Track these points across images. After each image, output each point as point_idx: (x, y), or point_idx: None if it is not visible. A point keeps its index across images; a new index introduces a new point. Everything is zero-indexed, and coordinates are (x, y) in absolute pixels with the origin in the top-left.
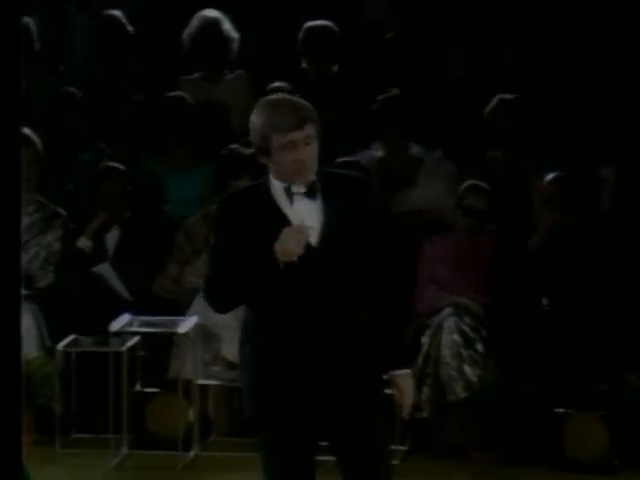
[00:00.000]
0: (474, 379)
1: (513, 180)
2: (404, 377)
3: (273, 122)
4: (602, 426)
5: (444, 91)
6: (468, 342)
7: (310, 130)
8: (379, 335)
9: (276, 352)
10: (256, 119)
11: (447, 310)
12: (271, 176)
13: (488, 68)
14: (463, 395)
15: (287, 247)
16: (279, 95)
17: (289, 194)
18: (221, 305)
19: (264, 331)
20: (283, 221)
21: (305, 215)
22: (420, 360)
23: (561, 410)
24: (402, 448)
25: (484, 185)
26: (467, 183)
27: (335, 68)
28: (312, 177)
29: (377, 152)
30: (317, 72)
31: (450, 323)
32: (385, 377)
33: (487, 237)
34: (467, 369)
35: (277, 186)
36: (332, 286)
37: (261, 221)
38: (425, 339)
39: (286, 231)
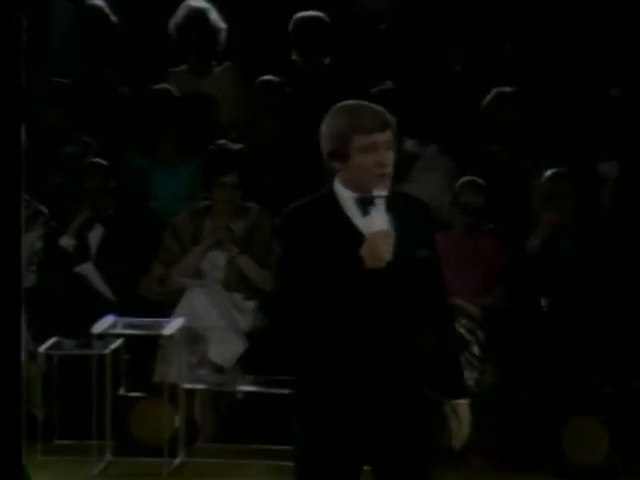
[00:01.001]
0: (471, 382)
1: (511, 177)
2: (464, 407)
3: (356, 123)
4: (604, 430)
5: (440, 84)
6: (464, 345)
7: (390, 135)
8: (440, 361)
9: (338, 368)
10: (333, 120)
11: None
12: (338, 185)
13: (486, 60)
14: None
15: (379, 252)
16: (356, 100)
17: (361, 204)
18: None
19: (325, 346)
20: (354, 232)
21: (380, 225)
22: None
23: (562, 414)
24: None
25: (481, 182)
26: (463, 179)
27: (326, 60)
28: (389, 185)
29: None
30: (308, 64)
31: None
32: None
33: (485, 236)
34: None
35: (346, 196)
36: (397, 305)
37: (330, 232)
38: None
39: (376, 235)
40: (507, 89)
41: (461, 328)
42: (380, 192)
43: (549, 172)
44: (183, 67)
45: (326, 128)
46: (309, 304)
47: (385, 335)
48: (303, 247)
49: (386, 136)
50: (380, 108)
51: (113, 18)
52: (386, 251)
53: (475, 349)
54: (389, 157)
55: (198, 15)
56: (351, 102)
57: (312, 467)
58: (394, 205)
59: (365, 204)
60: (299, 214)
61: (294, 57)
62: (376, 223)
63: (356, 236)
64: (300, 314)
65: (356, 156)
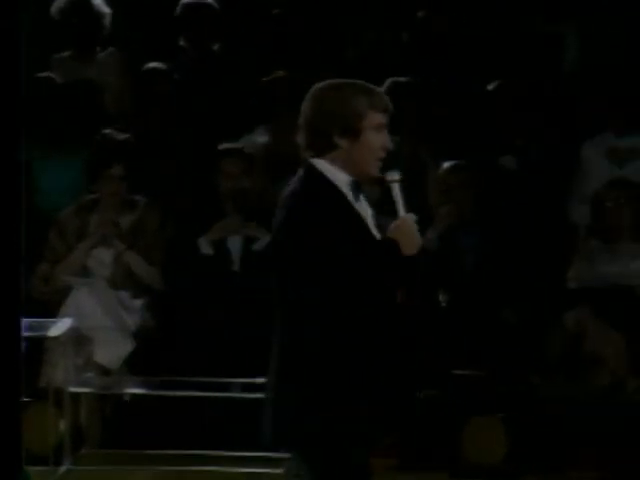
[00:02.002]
0: None
1: (408, 168)
2: None
3: (371, 100)
4: (502, 429)
5: (335, 72)
6: None
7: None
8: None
9: (375, 365)
10: (346, 96)
11: None
12: (330, 167)
13: (383, 48)
14: None
15: (416, 237)
16: (351, 80)
17: (355, 188)
18: None
19: (368, 340)
20: (358, 218)
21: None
22: None
23: (461, 413)
24: (288, 456)
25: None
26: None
27: (216, 47)
28: None
29: (262, 137)
30: (196, 51)
31: None
32: None
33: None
34: None
35: (342, 179)
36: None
37: (349, 221)
38: None
39: (407, 220)
40: (402, 79)
41: None
42: (393, 176)
43: (447, 164)
44: (66, 53)
45: (335, 104)
46: (355, 298)
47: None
48: (342, 242)
49: (387, 120)
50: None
51: None
52: (419, 236)
53: None
54: (390, 142)
55: None
56: (352, 80)
57: (349, 464)
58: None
59: (357, 189)
60: (322, 209)
61: (182, 43)
62: (399, 208)
63: (360, 222)
64: (338, 313)
65: (367, 134)
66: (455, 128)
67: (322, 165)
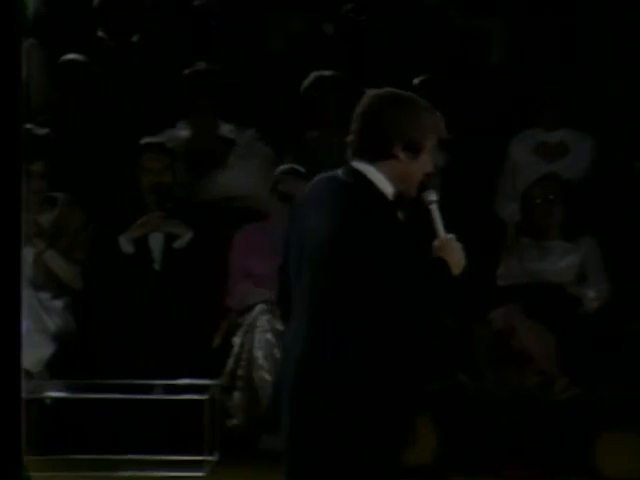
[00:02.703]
0: None
1: (333, 164)
2: None
3: (435, 122)
4: (431, 427)
5: (260, 65)
6: (269, 348)
7: None
8: None
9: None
10: (416, 112)
11: (259, 307)
12: (381, 178)
13: (310, 40)
14: None
15: (462, 258)
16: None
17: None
18: None
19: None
20: (412, 233)
21: (442, 230)
22: (231, 363)
23: None
24: (211, 459)
25: (301, 169)
26: (283, 167)
27: (135, 38)
28: None
29: (183, 132)
30: (115, 42)
31: (263, 321)
32: None
33: None
34: None
35: (389, 191)
36: None
37: (405, 235)
38: (236, 339)
39: (452, 240)
40: (327, 72)
41: (279, 324)
42: (432, 196)
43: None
44: None
45: (407, 116)
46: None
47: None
48: (409, 260)
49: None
50: None
51: None
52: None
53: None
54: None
55: None
56: (416, 96)
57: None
58: None
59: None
60: (395, 214)
61: (100, 34)
62: (440, 228)
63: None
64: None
65: (425, 154)
66: None
67: (372, 174)
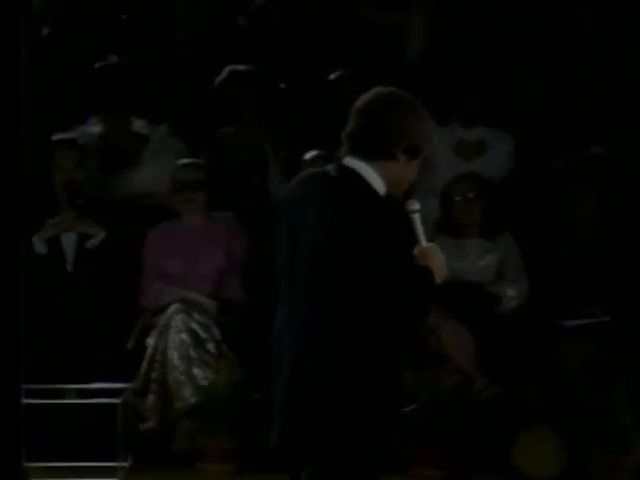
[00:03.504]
0: (204, 383)
1: (250, 160)
2: None
3: (433, 130)
4: None
5: (170, 58)
6: (198, 342)
7: None
8: None
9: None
10: (421, 119)
11: (174, 307)
12: (375, 175)
13: (221, 33)
14: (192, 400)
15: (444, 267)
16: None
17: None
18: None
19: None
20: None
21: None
22: (145, 365)
23: None
24: (124, 465)
25: (200, 161)
26: (181, 162)
27: (45, 31)
28: None
29: (95, 127)
30: (24, 37)
31: (178, 321)
32: None
33: (220, 224)
34: (197, 372)
35: (381, 190)
36: None
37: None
38: (150, 340)
39: (435, 250)
40: (240, 67)
41: (195, 324)
42: (415, 206)
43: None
44: None
45: (412, 119)
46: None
47: None
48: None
49: None
50: None
51: None
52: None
53: (210, 346)
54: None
55: None
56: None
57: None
58: None
59: None
60: (390, 213)
61: None
62: (421, 237)
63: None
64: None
65: (419, 160)
66: (297, 118)
67: (366, 172)
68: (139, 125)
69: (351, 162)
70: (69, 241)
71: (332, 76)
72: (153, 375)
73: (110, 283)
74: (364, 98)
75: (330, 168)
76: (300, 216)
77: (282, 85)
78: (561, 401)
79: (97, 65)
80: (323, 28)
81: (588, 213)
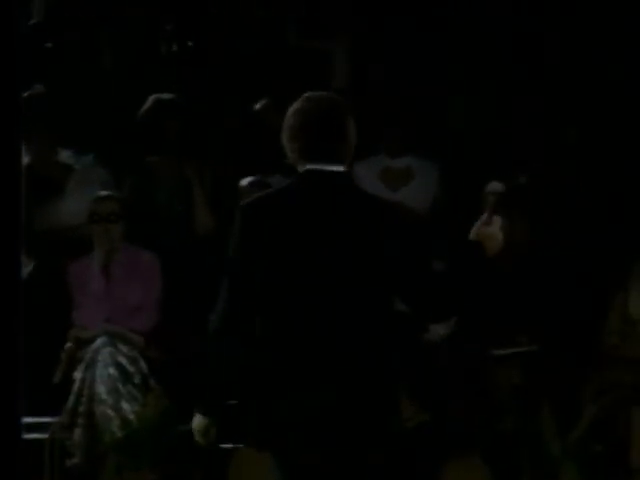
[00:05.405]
0: (131, 416)
1: (177, 189)
2: None
3: None
4: None
5: (97, 86)
6: (126, 376)
7: None
8: None
9: None
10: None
11: (100, 340)
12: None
13: (146, 58)
14: (120, 434)
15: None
16: None
17: None
18: None
19: None
20: None
21: None
22: (72, 399)
23: (229, 445)
24: None
25: (115, 194)
26: (97, 194)
27: None
28: None
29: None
30: None
31: (105, 355)
32: None
33: (139, 255)
34: (124, 405)
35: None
36: None
37: None
38: (77, 374)
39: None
40: (166, 96)
41: (122, 357)
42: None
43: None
44: None
45: (353, 128)
46: None
47: None
48: None
49: None
50: None
51: None
52: None
53: (137, 380)
54: None
55: None
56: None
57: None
58: None
59: None
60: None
61: None
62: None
63: None
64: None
65: None
66: (223, 147)
67: (348, 174)
68: (65, 155)
69: (334, 167)
70: None
71: (257, 106)
72: (80, 409)
73: (37, 315)
74: (314, 104)
75: (322, 174)
76: (309, 230)
77: (204, 113)
78: (490, 429)
79: (24, 94)
80: (248, 55)
81: (516, 242)
